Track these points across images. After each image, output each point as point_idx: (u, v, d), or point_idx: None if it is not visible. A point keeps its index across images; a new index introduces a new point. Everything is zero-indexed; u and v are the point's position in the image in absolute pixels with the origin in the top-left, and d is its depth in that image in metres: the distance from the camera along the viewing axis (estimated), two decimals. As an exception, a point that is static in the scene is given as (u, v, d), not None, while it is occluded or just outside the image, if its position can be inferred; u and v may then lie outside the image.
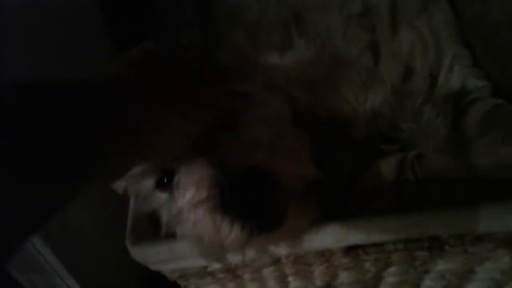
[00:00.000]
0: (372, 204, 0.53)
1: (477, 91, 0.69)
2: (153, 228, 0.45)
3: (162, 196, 0.42)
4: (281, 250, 0.44)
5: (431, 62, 0.74)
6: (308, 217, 0.40)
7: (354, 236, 0.43)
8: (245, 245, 0.35)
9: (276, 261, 0.48)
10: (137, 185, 0.42)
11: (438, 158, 0.56)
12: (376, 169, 0.56)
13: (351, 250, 0.46)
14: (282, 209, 0.36)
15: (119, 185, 0.46)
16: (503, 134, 0.55)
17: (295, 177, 0.37)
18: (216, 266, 0.46)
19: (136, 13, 0.81)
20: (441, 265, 0.48)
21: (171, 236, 0.43)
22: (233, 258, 0.45)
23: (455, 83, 0.71)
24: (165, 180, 0.40)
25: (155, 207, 0.44)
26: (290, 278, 0.54)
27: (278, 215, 0.35)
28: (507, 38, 0.69)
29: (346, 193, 0.54)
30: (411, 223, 0.43)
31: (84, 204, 0.68)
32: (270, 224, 0.35)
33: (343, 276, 0.53)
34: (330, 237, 0.43)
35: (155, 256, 0.44)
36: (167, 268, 0.46)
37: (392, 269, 0.49)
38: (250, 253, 0.39)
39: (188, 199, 0.34)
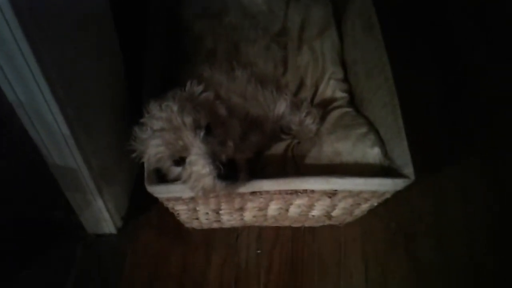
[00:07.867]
0: (268, 167, 0.97)
1: (340, 100, 1.11)
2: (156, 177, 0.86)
3: (177, 169, 0.81)
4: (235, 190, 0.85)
5: (317, 76, 1.14)
6: (247, 177, 0.82)
7: (254, 186, 0.85)
8: (225, 189, 0.78)
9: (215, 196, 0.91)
10: (160, 163, 0.82)
11: (307, 144, 1.00)
12: (273, 148, 1.00)
13: (253, 192, 0.90)
14: (238, 174, 0.78)
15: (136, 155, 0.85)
16: (341, 134, 0.99)
17: (243, 160, 0.79)
18: (186, 196, 0.87)
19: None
20: (297, 201, 0.94)
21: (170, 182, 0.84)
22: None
23: (328, 93, 1.11)
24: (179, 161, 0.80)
25: (175, 175, 0.82)
26: (222, 205, 0.97)
27: (237, 176, 0.78)
28: (361, 67, 1.11)
29: (257, 160, 0.98)
30: (283, 182, 0.86)
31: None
32: (234, 180, 0.78)
33: (249, 204, 0.97)
34: (246, 187, 0.85)
35: (159, 191, 0.84)
36: (163, 196, 0.87)
37: (273, 202, 0.94)
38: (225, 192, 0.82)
39: (196, 170, 0.75)
